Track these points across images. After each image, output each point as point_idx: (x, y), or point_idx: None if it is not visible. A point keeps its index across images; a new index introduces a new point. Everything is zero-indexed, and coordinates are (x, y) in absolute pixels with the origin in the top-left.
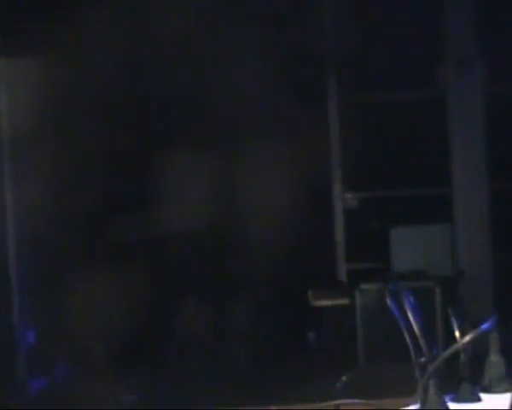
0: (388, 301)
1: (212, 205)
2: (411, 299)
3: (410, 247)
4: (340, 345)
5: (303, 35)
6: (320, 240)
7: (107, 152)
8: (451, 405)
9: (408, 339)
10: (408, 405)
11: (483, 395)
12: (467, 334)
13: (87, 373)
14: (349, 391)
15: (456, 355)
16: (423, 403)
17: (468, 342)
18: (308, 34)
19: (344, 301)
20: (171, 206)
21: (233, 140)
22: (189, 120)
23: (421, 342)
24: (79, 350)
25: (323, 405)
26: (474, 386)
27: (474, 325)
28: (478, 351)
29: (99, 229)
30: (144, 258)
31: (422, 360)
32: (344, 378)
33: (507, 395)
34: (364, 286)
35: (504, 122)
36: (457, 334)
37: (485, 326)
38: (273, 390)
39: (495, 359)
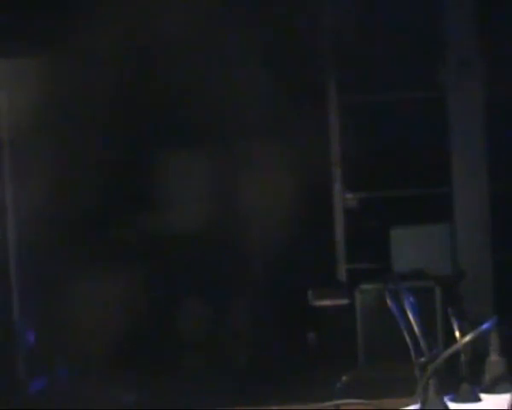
0: (388, 301)
1: (211, 205)
2: (411, 299)
3: (410, 247)
4: (340, 345)
5: (303, 35)
6: (320, 240)
7: (107, 152)
8: (451, 405)
9: (408, 339)
10: (408, 405)
11: (483, 395)
12: (467, 334)
13: (87, 373)
14: (349, 391)
15: (456, 355)
16: (423, 403)
17: (468, 342)
18: (308, 34)
19: (344, 301)
20: (171, 206)
21: (233, 140)
22: (189, 119)
23: (421, 342)
24: (79, 350)
25: (323, 405)
26: (474, 386)
27: (474, 325)
28: (478, 351)
29: (99, 229)
30: (144, 258)
31: (422, 360)
32: (344, 378)
33: (507, 395)
34: (364, 286)
35: (504, 122)
36: (457, 334)
37: (485, 326)
38: (273, 390)
39: (495, 359)
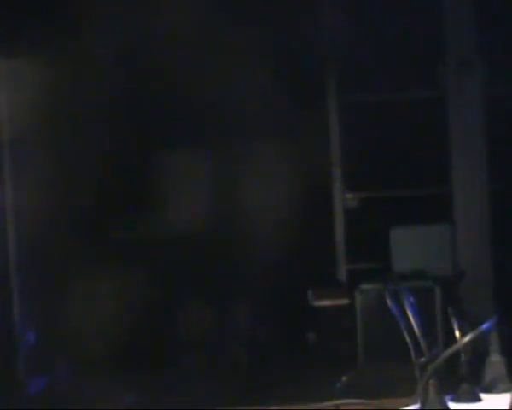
0: (388, 301)
1: (211, 205)
2: (411, 299)
3: (410, 247)
4: (340, 345)
5: (303, 35)
6: (320, 240)
7: (107, 152)
8: (451, 405)
9: (408, 339)
10: (408, 405)
11: (483, 395)
12: (467, 334)
13: (87, 373)
14: (349, 391)
15: (456, 355)
16: (423, 403)
17: (468, 342)
18: (308, 34)
19: (344, 301)
20: (171, 206)
21: (233, 140)
22: (189, 119)
23: (421, 342)
24: (79, 350)
25: (323, 405)
26: (474, 386)
27: (474, 325)
28: (478, 351)
29: (99, 229)
30: (144, 258)
31: (422, 360)
32: (344, 378)
33: (507, 395)
34: (364, 286)
35: (504, 122)
36: (457, 334)
37: (485, 326)
38: (273, 390)
39: (495, 359)
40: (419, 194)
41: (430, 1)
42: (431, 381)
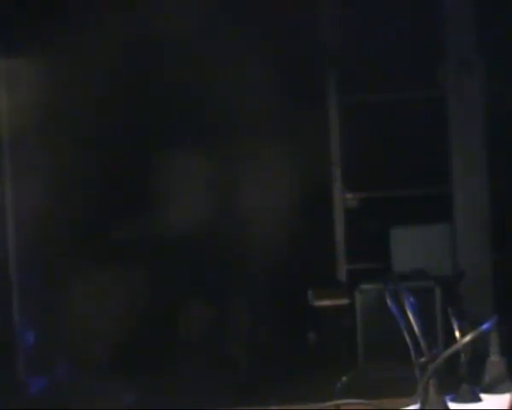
0: (388, 301)
1: (212, 205)
2: (411, 299)
3: (410, 247)
4: (340, 345)
5: (303, 35)
6: (320, 240)
7: (107, 152)
8: (451, 405)
9: (408, 339)
10: (408, 405)
11: (483, 395)
12: (467, 334)
13: (87, 373)
14: (349, 391)
15: (456, 355)
16: (423, 403)
17: (468, 342)
18: (308, 34)
19: (344, 301)
20: (171, 206)
21: (233, 140)
22: (189, 119)
23: (421, 342)
24: (79, 350)
25: (323, 405)
26: (474, 386)
27: (474, 325)
28: (478, 351)
29: (99, 229)
30: (144, 258)
31: (422, 360)
32: (344, 378)
33: (507, 395)
34: (364, 286)
35: (504, 122)
36: (457, 334)
37: (485, 326)
38: (273, 390)
39: (495, 359)
40: (419, 194)
41: (430, 1)
42: (431, 381)
